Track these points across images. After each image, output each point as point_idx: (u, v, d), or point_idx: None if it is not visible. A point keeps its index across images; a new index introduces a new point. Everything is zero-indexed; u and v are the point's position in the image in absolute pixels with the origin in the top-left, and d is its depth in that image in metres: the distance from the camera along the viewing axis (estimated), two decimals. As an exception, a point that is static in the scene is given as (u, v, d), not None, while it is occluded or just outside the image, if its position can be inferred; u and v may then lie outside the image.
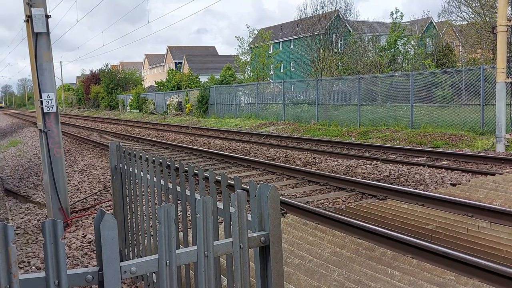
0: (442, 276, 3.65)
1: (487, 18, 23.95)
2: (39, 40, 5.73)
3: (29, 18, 5.70)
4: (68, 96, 70.72)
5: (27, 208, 7.70)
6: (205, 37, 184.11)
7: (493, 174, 7.65)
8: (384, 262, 3.96)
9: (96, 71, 54.97)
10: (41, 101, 5.79)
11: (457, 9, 27.19)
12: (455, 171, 8.25)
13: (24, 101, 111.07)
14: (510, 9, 17.20)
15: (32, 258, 4.68)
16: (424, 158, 10.21)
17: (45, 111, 5.84)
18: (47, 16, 5.77)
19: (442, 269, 3.77)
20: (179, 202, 2.95)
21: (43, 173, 6.42)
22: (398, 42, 24.72)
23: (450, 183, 7.14)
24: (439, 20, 34.63)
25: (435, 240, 4.45)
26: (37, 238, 5.65)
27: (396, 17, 24.92)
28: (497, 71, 11.50)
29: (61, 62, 61.34)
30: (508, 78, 11.41)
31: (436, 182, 7.35)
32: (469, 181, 7.29)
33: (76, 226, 6.00)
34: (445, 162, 9.58)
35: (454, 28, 32.27)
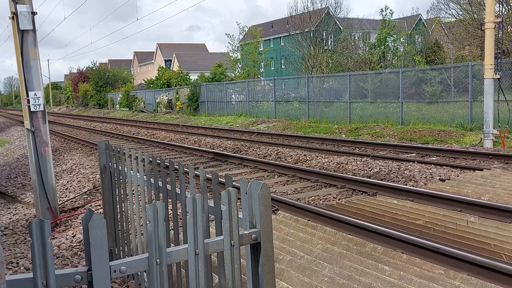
0: (431, 270, 3.69)
1: (475, 15, 24.23)
2: (25, 38, 5.64)
3: (14, 15, 5.60)
4: (56, 95, 69.84)
5: (15, 208, 7.60)
6: (197, 34, 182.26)
7: (481, 170, 7.75)
8: (375, 258, 3.99)
9: (84, 69, 54.33)
10: (28, 100, 5.71)
11: (445, 6, 27.50)
12: (444, 166, 8.34)
13: (11, 100, 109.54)
14: (498, 6, 17.39)
15: (20, 258, 4.62)
16: (414, 154, 10.30)
17: (32, 109, 5.75)
18: (33, 13, 5.68)
19: (432, 263, 3.81)
20: (169, 200, 2.94)
21: (31, 173, 6.34)
22: (388, 39, 24.88)
23: (439, 179, 7.21)
24: (428, 17, 34.96)
25: (425, 235, 4.49)
26: (25, 239, 5.58)
27: (385, 14, 25.09)
28: (485, 67, 11.64)
29: (48, 60, 60.72)
30: (495, 74, 11.54)
31: (426, 178, 7.42)
32: (458, 176, 7.37)
33: (65, 225, 5.94)
34: (434, 158, 9.67)
35: (442, 25, 32.57)
